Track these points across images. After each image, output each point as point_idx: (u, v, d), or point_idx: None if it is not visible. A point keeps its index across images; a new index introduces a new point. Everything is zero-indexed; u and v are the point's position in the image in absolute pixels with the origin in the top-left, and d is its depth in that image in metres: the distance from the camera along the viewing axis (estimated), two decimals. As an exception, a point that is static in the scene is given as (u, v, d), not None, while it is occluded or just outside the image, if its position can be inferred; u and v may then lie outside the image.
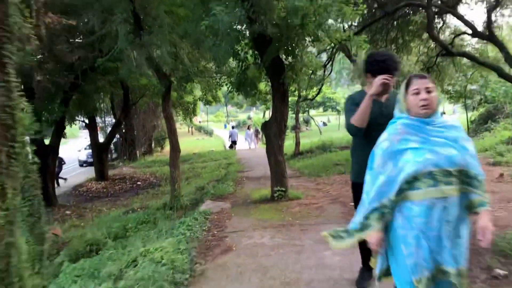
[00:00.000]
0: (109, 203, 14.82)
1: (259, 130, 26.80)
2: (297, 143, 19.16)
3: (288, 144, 28.70)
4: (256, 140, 28.13)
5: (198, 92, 32.04)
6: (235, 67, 8.02)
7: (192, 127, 56.02)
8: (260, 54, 7.20)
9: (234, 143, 29.07)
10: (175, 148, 9.59)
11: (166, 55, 8.77)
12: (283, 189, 7.45)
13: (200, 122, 69.83)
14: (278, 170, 7.47)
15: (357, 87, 51.67)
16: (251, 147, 27.13)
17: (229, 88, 8.36)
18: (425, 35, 15.51)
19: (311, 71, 9.84)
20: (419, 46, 17.19)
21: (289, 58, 7.38)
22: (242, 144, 31.76)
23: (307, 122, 47.33)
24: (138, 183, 18.54)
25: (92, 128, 18.76)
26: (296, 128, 19.73)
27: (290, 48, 6.83)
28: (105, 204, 14.54)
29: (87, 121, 18.87)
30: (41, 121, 12.41)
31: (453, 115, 31.39)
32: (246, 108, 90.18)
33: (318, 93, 18.57)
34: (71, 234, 9.00)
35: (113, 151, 27.17)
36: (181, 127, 66.82)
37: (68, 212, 13.24)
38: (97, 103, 22.50)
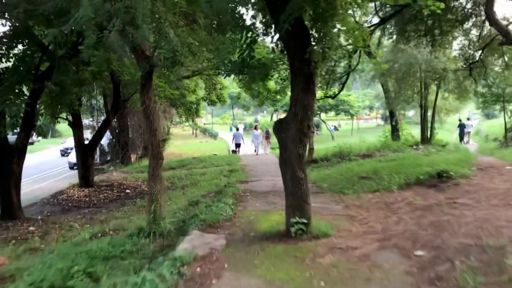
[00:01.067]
0: (86, 216, 12.43)
1: (270, 132, 23.90)
2: (311, 149, 16.68)
3: None
4: (266, 144, 24.10)
5: (201, 92, 29.80)
6: (238, 40, 5.50)
7: (196, 129, 53.73)
8: (275, 16, 4.77)
9: (238, 146, 26.93)
10: (155, 154, 7.16)
11: (144, 28, 6.37)
12: (305, 221, 4.97)
13: (204, 124, 67.59)
14: (298, 192, 5.03)
15: (376, 88, 49.17)
16: (258, 152, 23.91)
17: (228, 68, 5.60)
18: (467, 25, 13.00)
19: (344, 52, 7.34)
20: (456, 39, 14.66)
21: (317, 25, 4.90)
22: (248, 147, 29.34)
23: (317, 126, 44.83)
24: (127, 191, 16.13)
25: (76, 127, 16.40)
26: (312, 131, 17.26)
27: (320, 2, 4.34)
28: (80, 218, 12.14)
29: (70, 118, 16.49)
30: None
31: (470, 122, 28.69)
32: (253, 111, 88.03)
33: (342, 88, 16.00)
34: (19, 265, 6.61)
35: (107, 154, 24.83)
36: (185, 129, 64.71)
37: (32, 228, 10.84)
38: (85, 99, 20.22)
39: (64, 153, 31.55)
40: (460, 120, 27.75)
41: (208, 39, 7.93)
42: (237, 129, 29.66)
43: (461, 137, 26.52)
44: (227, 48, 5.99)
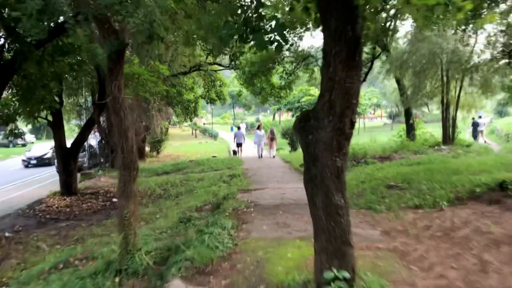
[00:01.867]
0: (61, 232, 10.57)
1: (275, 132, 21.68)
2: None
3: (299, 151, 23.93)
4: (271, 145, 20.97)
5: (199, 90, 27.90)
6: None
7: (195, 130, 51.88)
8: None
9: (239, 145, 24.86)
10: (127, 164, 5.28)
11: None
12: (347, 275, 3.08)
13: (204, 124, 65.73)
14: (336, 229, 3.14)
15: (382, 85, 46.96)
16: (261, 155, 21.32)
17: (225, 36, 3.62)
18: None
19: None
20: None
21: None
22: (251, 149, 27.44)
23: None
24: (114, 199, 14.24)
25: (56, 127, 14.52)
26: None
27: None
28: (54, 234, 10.30)
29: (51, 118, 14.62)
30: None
31: (482, 120, 26.72)
32: (254, 110, 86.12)
33: (366, 76, 14.08)
34: None
35: (100, 158, 22.92)
36: (184, 130, 62.80)
37: (-10, 249, 9.01)
38: (69, 96, 18.40)
39: (28, 163, 26.65)
40: (473, 118, 25.91)
41: (197, 8, 6.04)
42: (239, 128, 27.56)
43: (475, 136, 24.65)
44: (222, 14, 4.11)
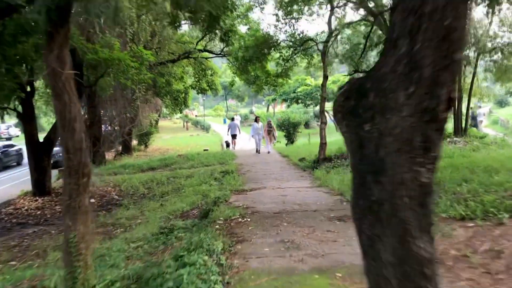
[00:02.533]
0: (25, 241, 9.02)
1: (272, 124, 19.75)
2: (323, 144, 13.27)
3: (302, 143, 22.65)
4: (269, 140, 18.95)
5: (190, 79, 26.22)
6: None
7: (187, 122, 50.21)
8: None
9: (234, 137, 23.74)
10: (74, 167, 3.72)
11: None
12: None
13: (196, 116, 64.01)
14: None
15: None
16: (259, 150, 19.00)
17: None
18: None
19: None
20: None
21: None
22: (245, 142, 25.91)
23: (318, 117, 41.42)
24: (92, 200, 12.62)
25: (27, 120, 12.88)
26: (324, 122, 13.69)
27: None
28: (15, 244, 8.75)
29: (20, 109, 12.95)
30: None
31: (482, 110, 25.43)
32: (247, 102, 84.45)
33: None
34: None
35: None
36: (176, 122, 61.00)
37: None
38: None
39: None
40: (471, 108, 24.60)
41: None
42: (233, 119, 26.08)
43: (475, 127, 23.38)
44: None
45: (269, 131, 18.92)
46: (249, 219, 5.92)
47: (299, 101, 33.67)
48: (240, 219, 5.93)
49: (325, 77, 13.68)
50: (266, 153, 18.08)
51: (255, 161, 15.88)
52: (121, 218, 9.85)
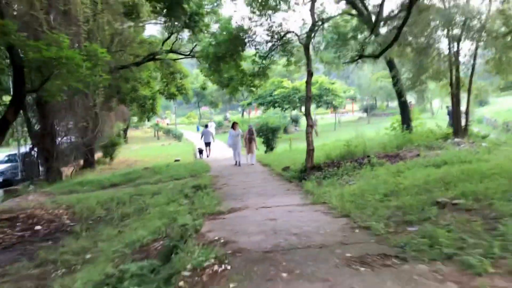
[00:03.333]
0: None
1: (254, 131, 16.82)
2: (310, 151, 11.50)
3: (283, 150, 20.66)
4: (249, 149, 16.08)
5: (158, 85, 24.12)
6: None
7: (158, 131, 47.85)
8: None
9: (207, 145, 22.94)
10: None
11: None
12: None
13: (168, 124, 61.62)
14: None
15: (356, 77, 43.60)
16: (239, 162, 16.16)
17: None
18: None
19: None
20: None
21: None
22: (219, 151, 24.05)
23: (296, 121, 39.79)
24: (37, 227, 10.49)
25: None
26: (311, 125, 11.81)
27: None
28: None
29: None
30: None
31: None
32: (222, 108, 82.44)
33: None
34: None
35: (39, 169, 18.82)
36: (147, 131, 58.38)
37: None
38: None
39: None
40: (448, 107, 23.65)
41: None
42: (206, 126, 24.55)
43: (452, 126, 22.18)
44: None
45: (251, 139, 16.07)
46: (229, 267, 4.05)
47: (276, 104, 31.87)
48: (216, 267, 4.05)
49: (310, 74, 11.98)
50: (250, 165, 15.63)
51: (232, 172, 14.04)
52: (67, 252, 7.82)
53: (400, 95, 16.66)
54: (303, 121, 42.86)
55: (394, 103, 63.85)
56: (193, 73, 30.04)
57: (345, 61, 15.69)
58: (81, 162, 21.66)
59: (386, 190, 7.05)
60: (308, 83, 11.93)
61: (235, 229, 5.81)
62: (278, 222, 6.05)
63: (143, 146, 36.62)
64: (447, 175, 7.19)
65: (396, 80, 16.58)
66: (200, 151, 23.63)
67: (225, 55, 13.54)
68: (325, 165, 11.28)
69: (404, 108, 16.72)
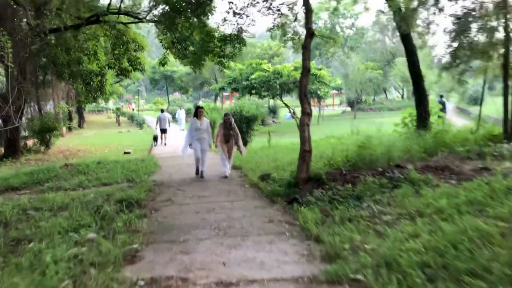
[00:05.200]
0: None
1: (233, 121, 9.96)
2: (305, 153, 7.29)
3: (260, 146, 15.98)
4: (228, 152, 9.73)
5: (105, 58, 19.31)
6: None
7: (118, 116, 42.85)
8: None
9: (163, 131, 20.72)
10: None
11: None
12: None
13: (134, 109, 56.48)
14: None
15: (354, 63, 39.12)
16: (202, 171, 9.72)
17: None
18: None
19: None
20: None
21: None
22: (179, 137, 19.94)
23: (274, 112, 35.55)
24: None
25: None
26: (308, 113, 7.56)
27: None
28: None
29: None
30: None
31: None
32: (193, 96, 77.53)
33: None
34: None
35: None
36: (110, 116, 53.06)
37: None
38: None
39: None
40: (441, 96, 20.65)
41: None
42: (162, 111, 22.07)
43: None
44: None
45: (227, 136, 9.75)
46: None
47: (253, 91, 27.28)
48: None
49: (310, 34, 7.80)
50: (223, 177, 9.51)
51: (184, 177, 9.76)
52: None
53: (417, 80, 12.72)
54: (281, 112, 38.63)
55: (381, 98, 60.36)
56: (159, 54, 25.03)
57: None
58: (1, 150, 16.91)
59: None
60: (307, 48, 7.73)
61: None
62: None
63: (98, 133, 31.78)
64: None
65: (412, 61, 12.63)
66: (155, 138, 20.60)
67: (186, 7, 9.22)
68: (329, 176, 7.11)
69: (421, 98, 12.76)
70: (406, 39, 12.83)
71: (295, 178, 7.37)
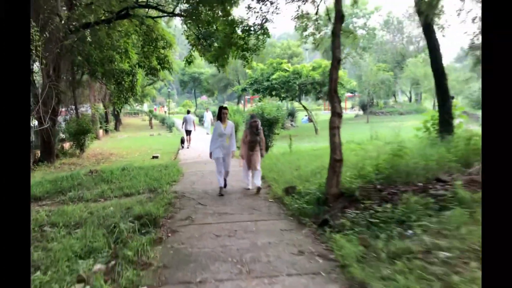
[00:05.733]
0: None
1: (259, 124, 7.98)
2: (336, 163, 5.97)
3: (282, 152, 13.48)
4: (250, 158, 7.89)
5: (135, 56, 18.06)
6: None
7: (151, 119, 41.94)
8: None
9: (188, 133, 19.35)
10: None
11: None
12: None
13: (165, 112, 55.56)
14: None
15: (355, 67, 36.55)
16: (224, 185, 8.14)
17: None
18: None
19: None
20: None
21: None
22: (204, 139, 18.83)
23: (292, 115, 33.85)
24: None
25: None
26: (339, 113, 6.11)
27: None
28: None
29: None
30: None
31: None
32: (219, 98, 76.25)
33: None
34: None
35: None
36: (145, 119, 51.97)
37: None
38: None
39: None
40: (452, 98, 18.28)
41: None
42: (188, 112, 21.25)
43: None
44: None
45: (253, 143, 7.86)
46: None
47: (274, 92, 25.68)
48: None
49: (339, 17, 6.41)
50: (246, 189, 8.13)
51: (206, 188, 8.50)
52: None
53: (440, 79, 11.05)
54: (299, 115, 36.88)
55: (390, 101, 57.28)
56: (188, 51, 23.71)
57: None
58: (38, 153, 16.01)
59: None
60: (337, 34, 6.30)
61: None
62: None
63: (131, 136, 30.88)
64: None
65: (435, 57, 10.99)
66: (182, 141, 19.46)
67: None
68: (362, 192, 5.73)
69: (444, 99, 11.10)
70: (428, 33, 11.19)
71: (324, 194, 6.03)
